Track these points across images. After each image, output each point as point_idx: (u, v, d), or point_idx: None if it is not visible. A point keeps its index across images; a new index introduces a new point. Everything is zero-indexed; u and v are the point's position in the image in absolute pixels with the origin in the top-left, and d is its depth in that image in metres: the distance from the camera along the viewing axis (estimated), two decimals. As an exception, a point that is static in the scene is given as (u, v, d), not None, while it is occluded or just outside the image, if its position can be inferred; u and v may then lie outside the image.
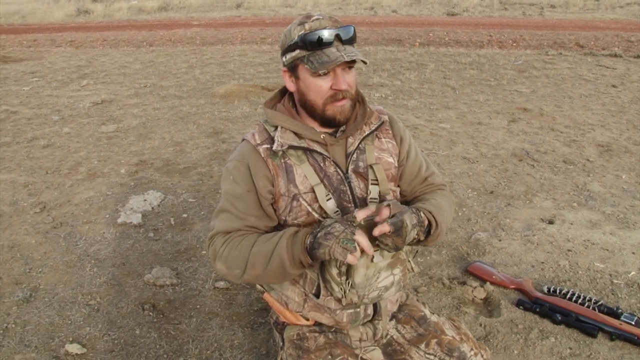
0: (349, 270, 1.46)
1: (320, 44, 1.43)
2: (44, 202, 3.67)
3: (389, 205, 1.41)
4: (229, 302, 2.57)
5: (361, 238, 1.34)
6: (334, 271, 1.47)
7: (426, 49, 10.05)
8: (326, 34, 1.42)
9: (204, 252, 3.02)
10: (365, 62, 1.46)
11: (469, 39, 11.17)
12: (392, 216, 1.39)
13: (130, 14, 20.42)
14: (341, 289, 1.48)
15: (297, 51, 1.47)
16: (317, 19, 1.45)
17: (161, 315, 2.48)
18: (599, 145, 4.70)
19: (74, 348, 2.24)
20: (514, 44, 10.55)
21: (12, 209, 3.58)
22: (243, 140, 1.63)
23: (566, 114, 5.62)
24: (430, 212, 1.53)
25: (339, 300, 1.53)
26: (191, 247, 3.08)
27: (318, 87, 1.47)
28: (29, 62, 9.42)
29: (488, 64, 8.49)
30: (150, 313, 2.50)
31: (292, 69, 1.52)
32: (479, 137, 4.92)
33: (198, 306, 2.55)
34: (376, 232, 1.35)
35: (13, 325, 2.40)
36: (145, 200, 3.63)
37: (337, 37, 1.44)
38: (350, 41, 1.47)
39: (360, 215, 1.39)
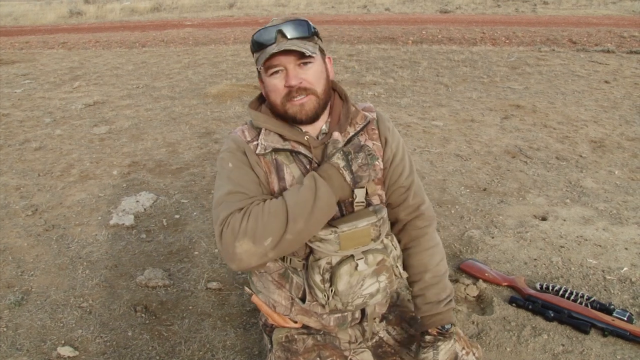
0: (332, 277, 1.45)
1: (262, 44, 1.42)
2: (36, 204, 3.65)
3: None
4: (221, 302, 2.56)
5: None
6: (317, 278, 1.46)
7: (419, 47, 10.06)
8: (264, 33, 1.42)
9: (196, 252, 3.01)
10: (305, 54, 1.40)
11: (462, 36, 11.18)
12: None
13: (122, 15, 20.35)
14: (325, 295, 1.47)
15: (254, 55, 1.48)
16: (272, 21, 1.45)
17: (153, 317, 2.47)
18: (592, 141, 4.71)
19: (66, 351, 2.23)
20: (507, 41, 10.56)
21: (3, 211, 3.55)
22: (231, 134, 1.58)
23: (559, 110, 5.62)
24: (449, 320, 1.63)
25: (323, 306, 1.52)
26: (184, 248, 3.07)
27: (273, 86, 1.45)
28: (21, 65, 9.37)
29: (481, 61, 8.50)
30: (143, 315, 2.48)
31: (259, 73, 1.51)
32: (472, 135, 4.92)
33: (190, 307, 2.54)
34: None
35: (5, 329, 2.39)
36: (137, 201, 3.62)
37: (280, 33, 1.41)
38: (298, 36, 1.42)
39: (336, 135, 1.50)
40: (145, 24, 16.30)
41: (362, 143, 1.47)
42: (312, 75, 1.45)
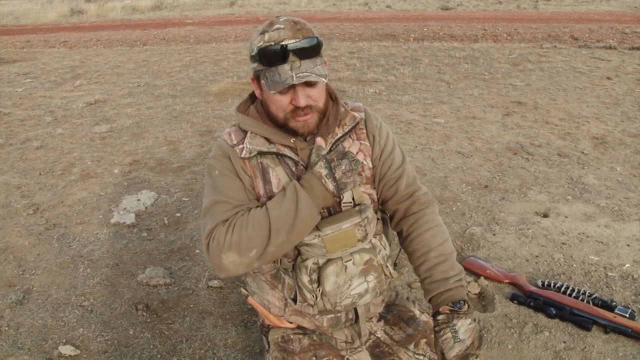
0: (319, 278, 1.45)
1: (273, 61, 1.35)
2: (37, 203, 3.65)
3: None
4: (222, 301, 2.56)
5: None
6: (305, 278, 1.46)
7: (420, 44, 10.04)
8: (276, 50, 1.34)
9: (197, 251, 3.01)
10: (323, 80, 1.38)
11: (464, 33, 11.16)
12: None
13: (123, 14, 20.37)
14: (313, 295, 1.47)
15: (257, 64, 1.41)
16: (277, 29, 1.36)
17: (155, 315, 2.47)
18: (593, 137, 4.70)
19: (67, 349, 2.23)
20: (509, 38, 10.54)
21: (5, 210, 3.56)
22: (219, 138, 1.58)
23: (561, 107, 5.61)
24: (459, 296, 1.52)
25: (313, 307, 1.52)
26: (185, 246, 3.07)
27: (278, 102, 1.42)
28: (22, 63, 9.38)
29: (482, 57, 8.48)
30: (144, 313, 2.48)
31: (257, 78, 1.46)
32: (474, 132, 4.91)
33: (191, 305, 2.54)
34: None
35: (6, 328, 2.39)
36: (138, 200, 3.62)
37: (293, 52, 1.35)
38: (310, 55, 1.37)
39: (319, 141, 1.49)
40: (146, 23, 16.30)
41: (346, 149, 1.47)
42: (318, 93, 1.43)
